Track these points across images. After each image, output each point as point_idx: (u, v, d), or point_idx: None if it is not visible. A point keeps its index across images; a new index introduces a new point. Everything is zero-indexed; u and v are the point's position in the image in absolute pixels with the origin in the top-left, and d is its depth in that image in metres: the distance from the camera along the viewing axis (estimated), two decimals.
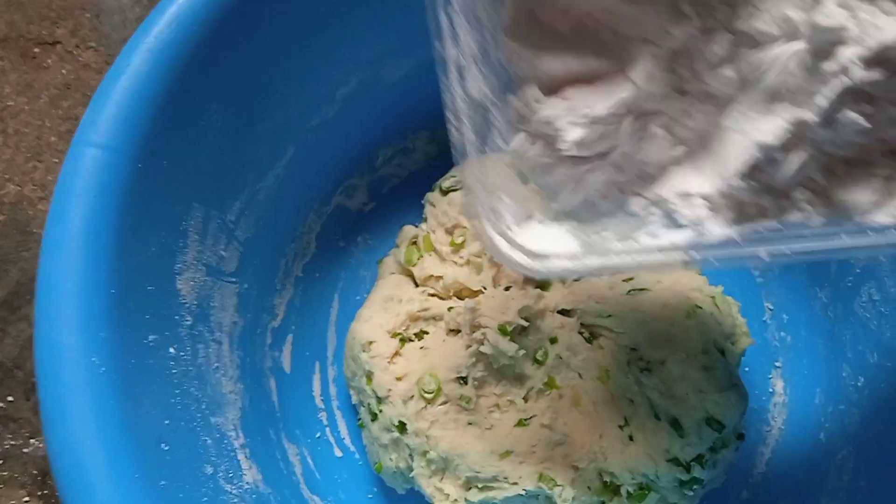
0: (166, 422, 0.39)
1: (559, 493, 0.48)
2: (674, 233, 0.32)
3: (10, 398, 0.57)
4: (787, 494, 0.51)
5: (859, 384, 0.51)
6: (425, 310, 0.51)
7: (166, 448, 0.38)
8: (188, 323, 0.44)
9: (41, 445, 0.56)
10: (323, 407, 0.58)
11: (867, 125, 0.29)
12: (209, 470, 0.41)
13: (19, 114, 0.65)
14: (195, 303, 0.45)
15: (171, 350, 0.42)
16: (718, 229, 0.31)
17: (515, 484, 0.48)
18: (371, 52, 0.52)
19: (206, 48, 0.42)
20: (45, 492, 0.55)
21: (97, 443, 0.33)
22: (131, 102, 0.40)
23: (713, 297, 0.51)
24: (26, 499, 0.54)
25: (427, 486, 0.49)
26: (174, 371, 0.42)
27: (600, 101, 0.32)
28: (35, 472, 0.55)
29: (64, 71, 0.67)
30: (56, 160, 0.64)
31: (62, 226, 0.37)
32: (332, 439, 0.57)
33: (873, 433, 0.48)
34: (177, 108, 0.42)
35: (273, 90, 0.48)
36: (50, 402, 0.34)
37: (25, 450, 0.56)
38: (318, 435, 0.56)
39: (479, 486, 0.49)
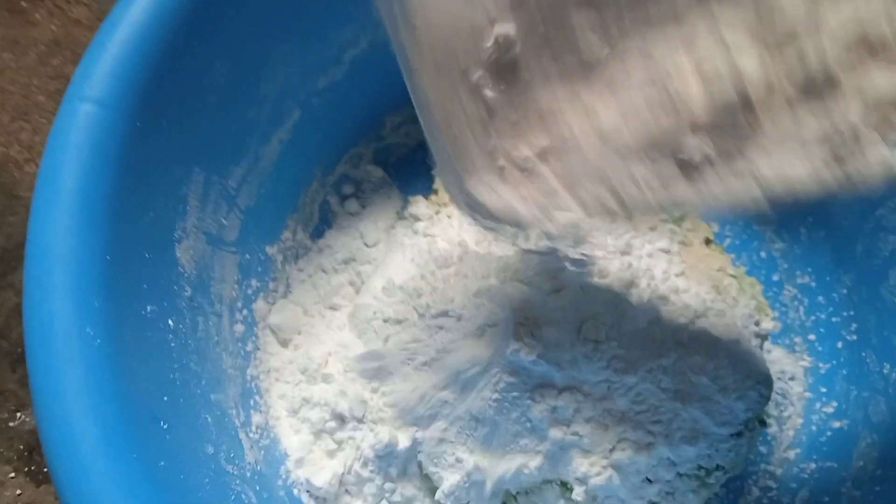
0: (165, 398, 0.37)
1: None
2: None
3: None
4: (808, 482, 0.50)
5: (885, 371, 0.49)
6: None
7: (165, 427, 0.35)
8: (187, 294, 0.41)
9: (28, 419, 0.53)
10: None
11: None
12: (210, 450, 0.39)
13: (5, 71, 0.62)
14: (195, 272, 0.42)
15: (170, 322, 0.39)
16: None
17: None
18: None
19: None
20: (32, 468, 0.52)
21: (92, 421, 0.31)
22: (129, 55, 0.37)
23: (736, 279, 0.49)
24: (12, 475, 0.52)
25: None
26: (173, 345, 0.39)
27: None
28: (21, 446, 0.52)
29: (53, 27, 0.64)
30: (44, 120, 0.61)
31: (54, 186, 0.34)
32: None
33: None
34: (177, 63, 0.39)
35: (280, 48, 0.45)
36: (41, 377, 0.31)
37: (11, 423, 0.53)
38: None
39: None
